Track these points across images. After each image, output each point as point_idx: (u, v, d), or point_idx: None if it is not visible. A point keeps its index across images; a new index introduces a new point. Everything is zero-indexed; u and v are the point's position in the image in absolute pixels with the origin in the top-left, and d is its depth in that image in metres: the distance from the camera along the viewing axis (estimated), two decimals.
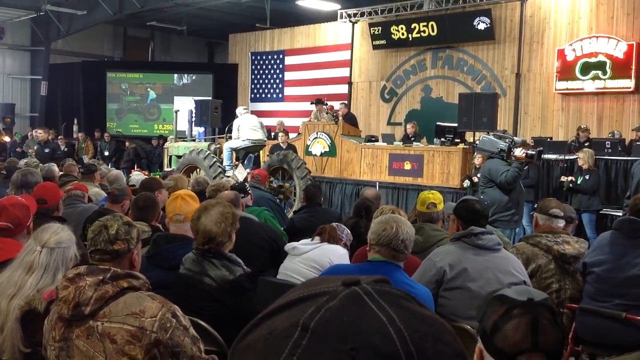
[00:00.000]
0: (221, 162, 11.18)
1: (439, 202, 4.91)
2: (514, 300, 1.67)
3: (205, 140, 13.08)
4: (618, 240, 4.27)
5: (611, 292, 4.10)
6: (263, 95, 20.91)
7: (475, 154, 10.31)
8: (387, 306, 0.71)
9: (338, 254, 4.38)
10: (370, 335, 0.68)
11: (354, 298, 0.72)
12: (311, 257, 4.36)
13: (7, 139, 19.08)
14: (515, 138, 7.70)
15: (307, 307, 0.72)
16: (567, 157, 10.43)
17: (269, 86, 20.80)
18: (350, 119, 14.19)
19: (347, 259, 4.45)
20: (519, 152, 7.10)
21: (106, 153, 18.52)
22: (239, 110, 11.66)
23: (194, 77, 22.14)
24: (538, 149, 7.58)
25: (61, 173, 7.88)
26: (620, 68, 13.24)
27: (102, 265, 2.50)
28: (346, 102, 16.57)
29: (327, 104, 14.64)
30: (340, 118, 13.79)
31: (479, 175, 8.53)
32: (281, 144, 13.09)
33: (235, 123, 11.34)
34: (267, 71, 20.78)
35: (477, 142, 8.52)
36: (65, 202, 5.23)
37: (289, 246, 4.57)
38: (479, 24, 15.26)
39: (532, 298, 1.67)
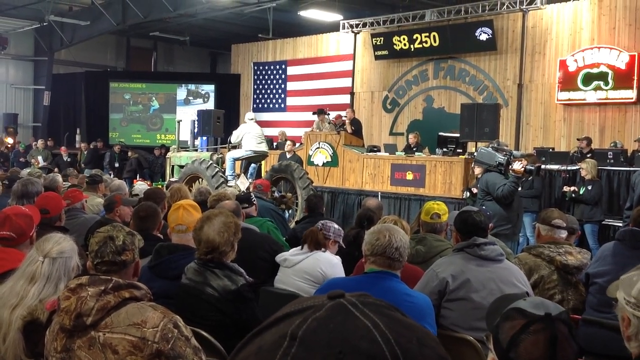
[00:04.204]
0: (223, 172, 11.20)
1: (443, 213, 4.90)
2: (531, 314, 1.65)
3: (207, 150, 13.10)
4: (620, 251, 4.25)
5: (614, 304, 4.08)
6: (265, 106, 20.94)
7: (473, 165, 10.33)
8: (371, 314, 0.74)
9: (330, 264, 4.35)
10: (357, 340, 0.71)
11: (339, 308, 0.75)
12: (302, 269, 4.35)
13: (9, 140, 19.17)
14: (514, 152, 7.68)
15: (294, 319, 0.74)
16: (569, 168, 10.43)
17: (271, 96, 20.83)
18: (357, 124, 14.23)
19: (341, 268, 4.44)
20: (517, 165, 7.06)
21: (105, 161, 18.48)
22: (246, 116, 11.74)
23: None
24: (537, 164, 7.57)
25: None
26: (622, 79, 13.25)
27: (110, 275, 2.50)
28: (352, 107, 16.64)
29: (329, 114, 14.67)
30: (348, 122, 13.83)
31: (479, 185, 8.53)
32: (287, 153, 13.11)
33: (241, 129, 11.39)
34: (269, 81, 20.82)
35: (475, 153, 8.52)
36: (67, 213, 5.24)
37: (279, 257, 4.56)
38: (480, 34, 15.30)
39: (549, 312, 1.65)
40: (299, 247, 4.50)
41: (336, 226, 4.75)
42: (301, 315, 0.74)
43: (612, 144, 12.33)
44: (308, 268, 4.32)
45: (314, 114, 14.70)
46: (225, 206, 4.93)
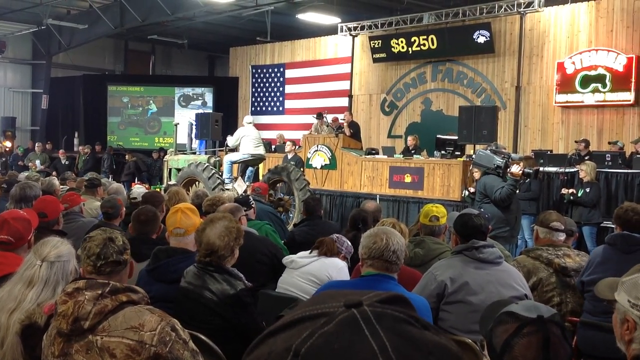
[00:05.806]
0: (220, 175, 11.18)
1: (442, 216, 4.89)
2: (524, 317, 1.66)
3: (205, 153, 13.09)
4: (611, 256, 4.23)
5: (610, 310, 4.06)
6: (264, 108, 20.95)
7: (472, 167, 10.33)
8: (382, 333, 0.71)
9: (337, 268, 4.34)
10: None
11: (349, 323, 0.72)
12: (309, 271, 4.33)
13: (8, 143, 19.15)
14: (512, 155, 7.69)
15: (305, 329, 0.73)
16: (567, 170, 10.43)
17: (269, 99, 20.84)
18: (355, 127, 14.24)
19: (346, 272, 4.42)
20: (515, 169, 7.06)
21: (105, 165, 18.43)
22: (245, 120, 11.74)
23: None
24: (535, 168, 7.58)
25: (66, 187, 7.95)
26: (620, 81, 13.27)
27: (111, 277, 2.52)
28: (350, 110, 16.64)
29: (325, 117, 14.67)
30: (346, 125, 13.83)
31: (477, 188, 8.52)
32: (288, 154, 13.09)
33: (239, 132, 11.39)
34: (267, 84, 20.83)
35: (473, 156, 8.52)
36: (65, 217, 5.22)
37: (287, 259, 4.54)
38: (478, 37, 15.32)
39: (541, 315, 1.66)
40: (308, 252, 4.48)
41: (349, 243, 4.74)
42: (312, 325, 0.73)
43: (614, 142, 12.28)
44: (315, 271, 4.31)
45: (315, 117, 14.70)
46: (223, 209, 4.92)
